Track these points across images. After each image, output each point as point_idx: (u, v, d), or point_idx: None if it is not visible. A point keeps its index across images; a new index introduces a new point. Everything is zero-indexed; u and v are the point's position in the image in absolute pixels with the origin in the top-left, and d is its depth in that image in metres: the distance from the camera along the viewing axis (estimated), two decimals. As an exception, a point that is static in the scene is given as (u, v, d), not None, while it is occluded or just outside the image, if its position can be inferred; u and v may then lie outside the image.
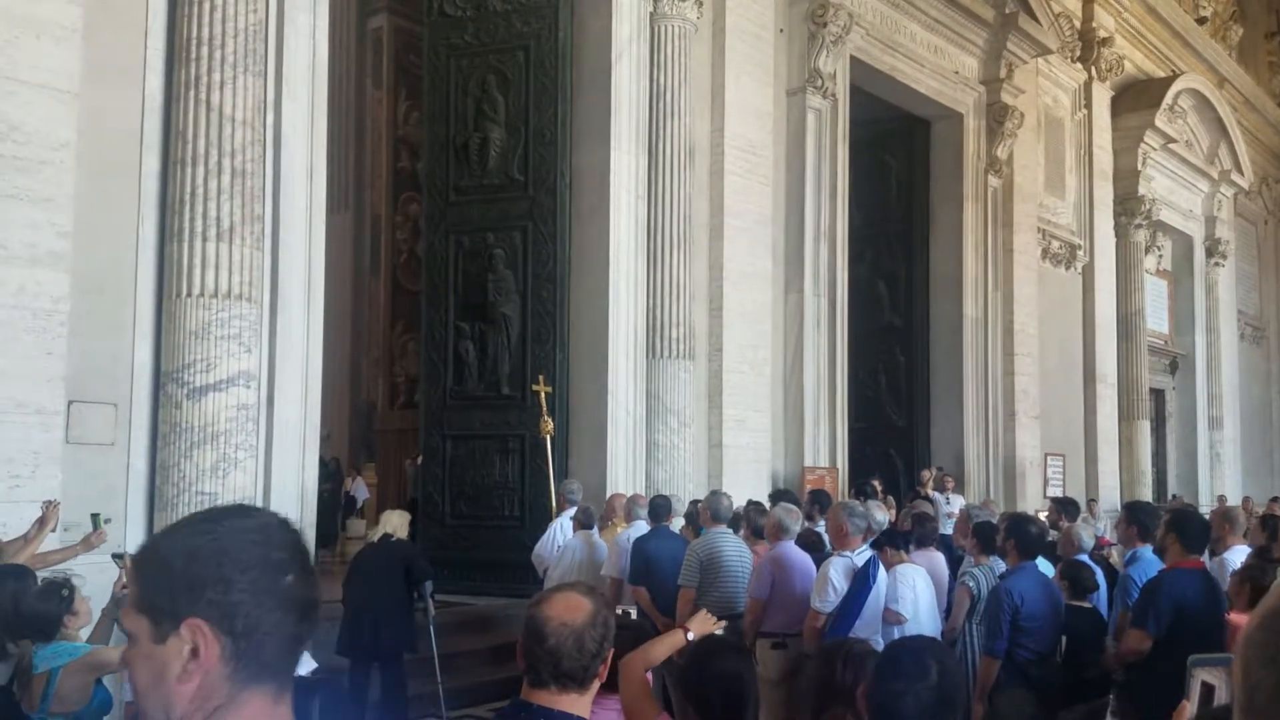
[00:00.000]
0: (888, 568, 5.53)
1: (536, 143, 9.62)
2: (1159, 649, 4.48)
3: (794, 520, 6.09)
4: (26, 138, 5.47)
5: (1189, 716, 1.83)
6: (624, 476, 9.01)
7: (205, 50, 6.10)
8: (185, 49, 6.13)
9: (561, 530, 7.65)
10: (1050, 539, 6.89)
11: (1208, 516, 6.29)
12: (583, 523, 7.34)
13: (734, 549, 6.28)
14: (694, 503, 7.72)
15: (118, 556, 3.75)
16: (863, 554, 5.45)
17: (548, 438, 8.86)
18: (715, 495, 6.69)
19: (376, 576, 6.73)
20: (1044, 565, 5.76)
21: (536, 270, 9.56)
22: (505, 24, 9.89)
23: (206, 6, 6.12)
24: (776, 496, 8.10)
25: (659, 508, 6.96)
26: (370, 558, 6.93)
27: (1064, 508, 8.50)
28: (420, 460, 10.48)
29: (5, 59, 5.42)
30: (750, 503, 8.05)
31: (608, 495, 8.48)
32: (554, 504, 8.71)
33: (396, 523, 7.01)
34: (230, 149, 6.11)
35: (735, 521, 6.78)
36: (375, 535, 7.10)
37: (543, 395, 8.90)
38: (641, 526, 6.99)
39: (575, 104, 9.48)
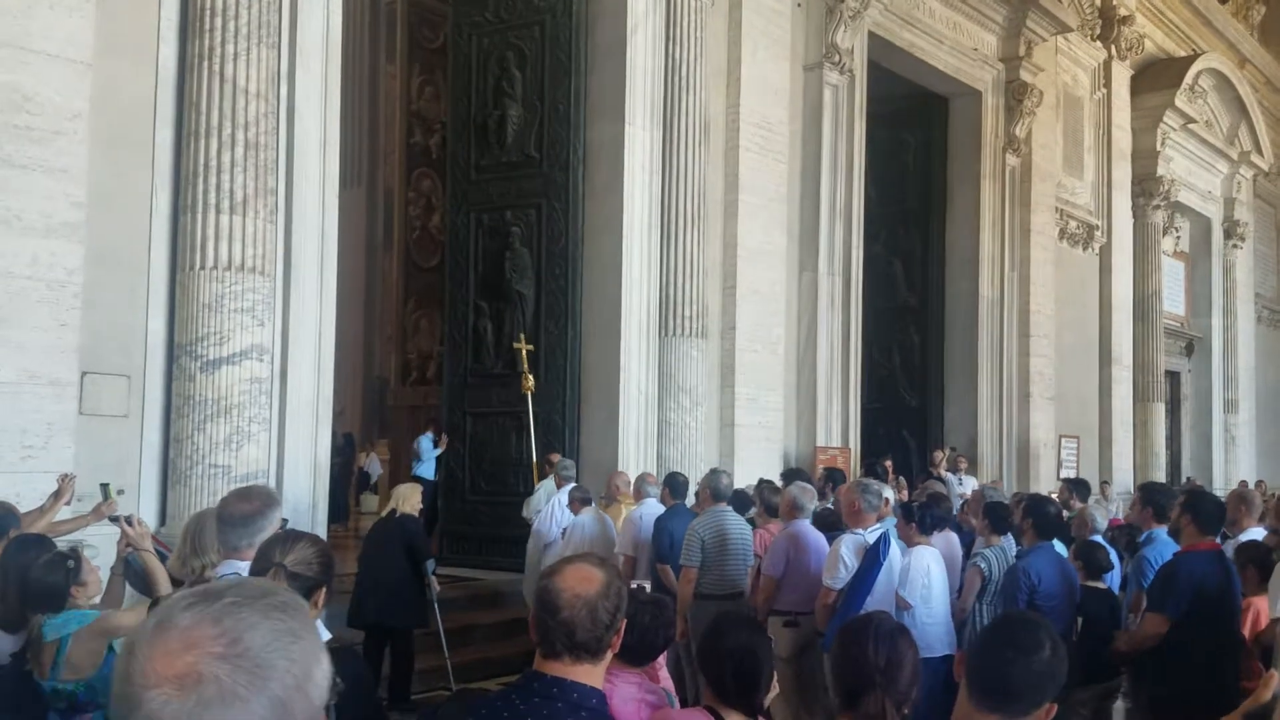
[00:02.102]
0: (907, 543, 5.49)
1: (551, 118, 9.58)
2: (1173, 631, 4.45)
3: (810, 499, 6.06)
4: (40, 108, 5.45)
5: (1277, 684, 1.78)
6: (635, 454, 9.00)
7: (219, 21, 6.07)
8: (199, 20, 6.10)
9: (560, 506, 7.61)
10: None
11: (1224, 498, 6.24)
12: (584, 500, 7.31)
13: (736, 527, 6.27)
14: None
15: (114, 519, 3.76)
16: (874, 532, 5.43)
17: (529, 394, 9.03)
18: (714, 473, 6.64)
19: (383, 552, 6.83)
20: (1057, 546, 5.73)
21: (550, 247, 9.53)
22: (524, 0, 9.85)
23: (220, -23, 6.08)
24: (789, 475, 8.07)
25: (679, 485, 6.95)
26: (378, 533, 7.04)
27: (1075, 488, 8.47)
28: (444, 437, 10.52)
29: (19, 29, 5.40)
30: (762, 481, 8.04)
31: (619, 473, 8.50)
32: (534, 466, 8.78)
33: (402, 495, 7.05)
34: (244, 121, 6.09)
35: (735, 500, 6.76)
36: (386, 510, 7.15)
37: (524, 352, 9.08)
38: (653, 504, 6.98)
39: (590, 78, 9.42)
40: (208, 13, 6.08)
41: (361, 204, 16.95)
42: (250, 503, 2.98)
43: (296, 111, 6.66)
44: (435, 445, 10.56)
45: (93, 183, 5.70)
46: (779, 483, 7.90)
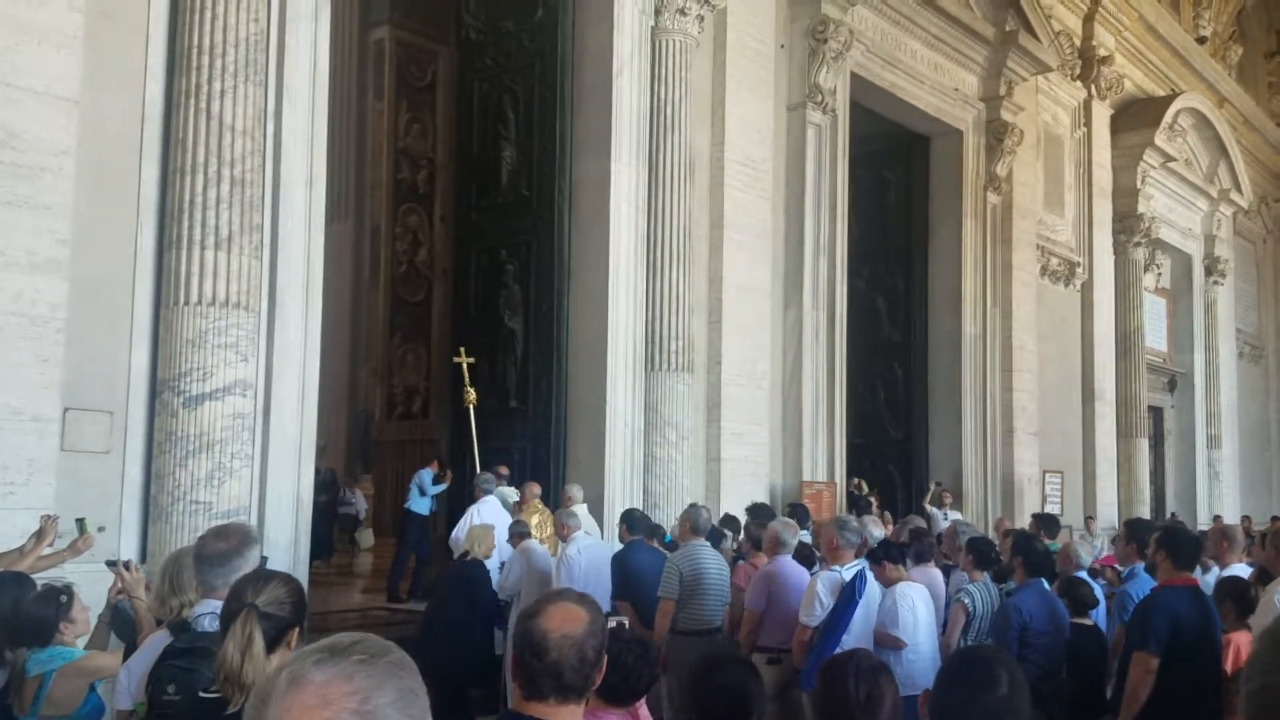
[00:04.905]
0: (885, 584, 5.49)
1: (540, 157, 9.68)
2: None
3: (791, 534, 6.06)
4: (27, 145, 5.47)
5: None
6: (621, 489, 8.98)
7: (206, 59, 6.11)
8: (186, 57, 6.13)
9: (478, 515, 7.53)
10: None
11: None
12: (522, 535, 7.24)
13: (714, 563, 6.25)
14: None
15: (111, 564, 3.72)
16: (851, 569, 5.42)
17: (470, 408, 9.24)
18: (694, 508, 6.59)
19: (443, 597, 6.71)
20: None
21: (539, 283, 9.60)
22: (516, 43, 10.01)
23: (208, 15, 6.13)
24: (755, 510, 7.97)
25: (636, 521, 6.93)
26: (447, 577, 6.98)
27: (1044, 524, 8.41)
28: (446, 472, 10.54)
29: (6, 65, 5.42)
30: (727, 516, 8.05)
31: (604, 507, 8.51)
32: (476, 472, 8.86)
33: (476, 538, 6.89)
34: (230, 158, 6.11)
35: (713, 535, 6.73)
36: (459, 553, 7.07)
37: (465, 366, 9.30)
38: (582, 538, 6.90)
39: (576, 117, 9.51)
40: (195, 50, 6.12)
41: (349, 238, 16.98)
42: (228, 541, 2.96)
43: (283, 147, 6.69)
44: (437, 481, 10.54)
45: (78, 219, 5.70)
46: (743, 517, 7.89)
